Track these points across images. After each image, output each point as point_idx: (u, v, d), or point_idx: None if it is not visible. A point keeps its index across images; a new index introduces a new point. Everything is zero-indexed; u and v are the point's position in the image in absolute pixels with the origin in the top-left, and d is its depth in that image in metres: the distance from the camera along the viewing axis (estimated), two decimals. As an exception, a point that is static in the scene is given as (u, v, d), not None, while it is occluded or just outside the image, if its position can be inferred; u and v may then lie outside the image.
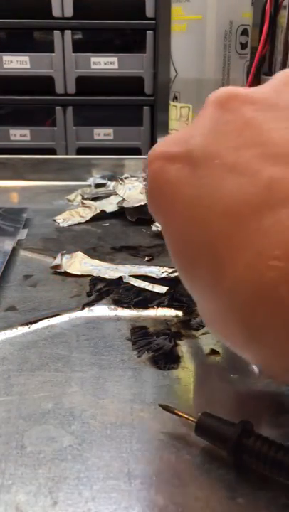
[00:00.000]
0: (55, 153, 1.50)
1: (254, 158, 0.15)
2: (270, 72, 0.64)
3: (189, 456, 0.25)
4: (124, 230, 0.55)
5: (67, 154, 1.51)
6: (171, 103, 0.66)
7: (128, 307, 0.39)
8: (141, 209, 0.56)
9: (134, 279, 0.43)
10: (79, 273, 0.44)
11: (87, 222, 0.57)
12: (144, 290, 0.41)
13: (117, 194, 0.60)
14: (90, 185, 0.68)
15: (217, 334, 0.19)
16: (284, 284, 0.14)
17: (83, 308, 0.39)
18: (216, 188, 0.15)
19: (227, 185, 0.15)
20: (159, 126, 1.55)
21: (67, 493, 0.23)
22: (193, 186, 0.16)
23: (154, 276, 0.43)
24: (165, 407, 0.27)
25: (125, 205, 0.57)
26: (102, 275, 0.43)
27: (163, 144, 0.18)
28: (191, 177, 0.16)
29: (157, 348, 0.34)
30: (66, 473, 0.24)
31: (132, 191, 0.58)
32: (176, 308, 0.39)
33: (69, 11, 1.46)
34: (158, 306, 0.39)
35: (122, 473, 0.24)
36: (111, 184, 0.66)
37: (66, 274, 0.44)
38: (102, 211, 0.58)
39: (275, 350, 0.16)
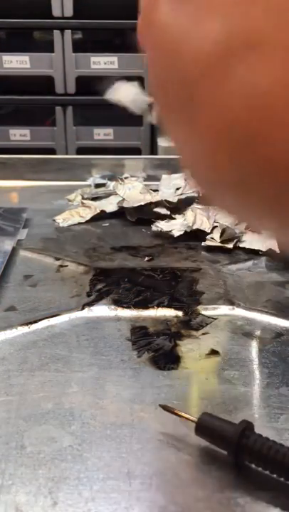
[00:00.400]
0: (55, 153, 1.50)
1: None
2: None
3: (189, 457, 0.25)
4: (124, 230, 0.55)
5: (67, 154, 1.51)
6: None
7: (128, 307, 0.39)
8: (141, 209, 0.56)
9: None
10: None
11: (87, 222, 0.57)
12: (144, 290, 0.41)
13: (117, 194, 0.60)
14: (89, 185, 0.68)
15: (199, 180, 0.18)
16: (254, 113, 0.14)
17: (83, 308, 0.39)
18: (195, 28, 0.15)
19: (213, 24, 0.15)
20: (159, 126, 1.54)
21: (67, 494, 0.23)
22: (178, 24, 0.16)
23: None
24: (165, 407, 0.27)
25: (125, 205, 0.57)
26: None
27: None
28: (176, 14, 0.16)
29: (157, 348, 0.34)
30: (66, 473, 0.24)
31: (132, 191, 0.58)
32: (176, 309, 0.39)
33: (69, 11, 1.46)
34: (158, 306, 0.39)
35: (122, 474, 0.24)
36: (111, 184, 0.66)
37: (66, 273, 0.44)
38: (102, 211, 0.58)
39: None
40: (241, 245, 0.49)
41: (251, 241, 0.49)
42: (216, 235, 0.50)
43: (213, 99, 0.15)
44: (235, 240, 0.49)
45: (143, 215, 0.56)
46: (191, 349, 0.34)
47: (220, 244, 0.49)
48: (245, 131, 0.14)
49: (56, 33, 1.47)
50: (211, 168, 0.16)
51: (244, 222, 0.19)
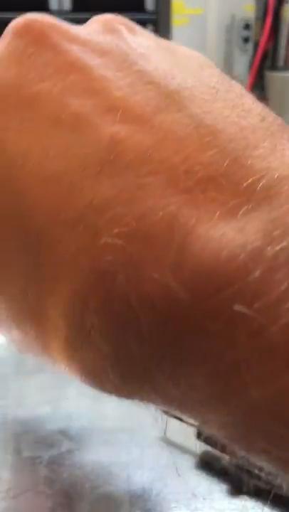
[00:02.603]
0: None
1: (87, 111, 0.12)
2: (274, 68, 0.63)
3: (191, 461, 0.25)
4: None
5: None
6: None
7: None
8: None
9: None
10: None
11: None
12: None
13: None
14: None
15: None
16: (122, 268, 0.10)
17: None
18: (35, 145, 0.12)
19: (50, 142, 0.11)
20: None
21: (65, 499, 0.23)
22: (14, 143, 0.12)
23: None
24: (166, 411, 0.27)
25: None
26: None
27: None
28: (8, 128, 0.12)
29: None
30: (64, 478, 0.24)
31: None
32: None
33: (67, 4, 1.44)
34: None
35: (121, 479, 0.24)
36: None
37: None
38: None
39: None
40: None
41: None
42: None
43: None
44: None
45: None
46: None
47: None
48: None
49: (54, 26, 1.46)
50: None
51: None
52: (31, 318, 0.13)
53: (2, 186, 0.12)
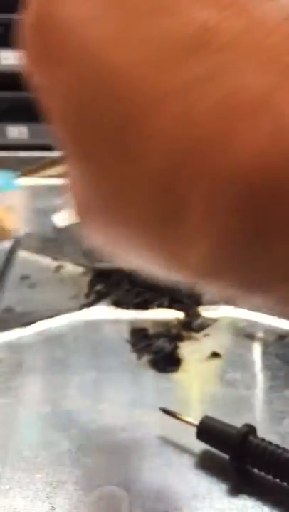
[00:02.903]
0: (53, 151, 1.50)
1: None
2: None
3: (191, 461, 0.25)
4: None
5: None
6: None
7: (127, 308, 0.39)
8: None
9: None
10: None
11: (86, 221, 0.56)
12: (144, 291, 0.41)
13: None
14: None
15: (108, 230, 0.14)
16: (216, 139, 0.11)
17: (82, 309, 0.38)
18: (131, 29, 0.12)
19: (145, 27, 0.12)
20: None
21: (65, 499, 0.23)
22: (100, 29, 0.12)
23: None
24: (166, 411, 0.27)
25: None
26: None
27: None
28: (96, 16, 0.12)
29: (157, 351, 0.33)
30: (64, 478, 0.24)
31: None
32: (176, 310, 0.38)
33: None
34: (158, 307, 0.39)
35: (121, 478, 0.24)
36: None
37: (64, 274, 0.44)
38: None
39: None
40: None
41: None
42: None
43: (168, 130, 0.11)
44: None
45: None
46: (192, 351, 0.34)
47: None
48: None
49: (55, 30, 1.47)
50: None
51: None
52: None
53: (96, 70, 0.12)
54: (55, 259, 0.47)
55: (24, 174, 0.37)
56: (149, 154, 0.12)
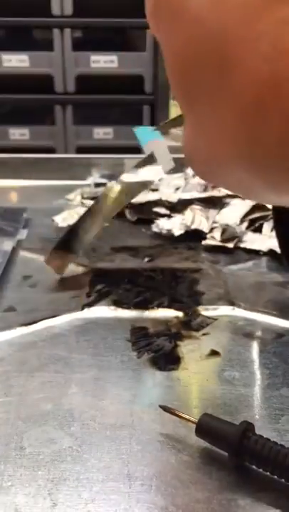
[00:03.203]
0: (54, 152, 1.50)
1: None
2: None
3: (190, 458, 0.25)
4: (124, 230, 0.54)
5: (66, 153, 1.51)
6: (172, 102, 0.66)
7: (128, 308, 0.39)
8: (141, 209, 0.56)
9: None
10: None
11: (86, 221, 0.56)
12: (144, 291, 0.41)
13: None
14: (89, 185, 0.68)
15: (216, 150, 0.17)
16: None
17: (83, 308, 0.39)
18: None
19: None
20: (158, 125, 1.54)
21: (67, 495, 0.23)
22: None
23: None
24: (165, 408, 0.27)
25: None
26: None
27: None
28: None
29: (157, 349, 0.34)
30: (66, 474, 0.24)
31: (131, 191, 0.58)
32: (176, 309, 0.39)
33: (68, 9, 1.45)
34: (158, 306, 0.39)
35: (121, 475, 0.24)
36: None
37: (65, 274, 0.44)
38: (102, 211, 0.58)
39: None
40: (242, 245, 0.49)
41: (252, 241, 0.49)
42: (217, 233, 0.49)
43: (252, 56, 0.14)
44: (235, 240, 0.49)
45: (143, 215, 0.56)
46: (192, 350, 0.34)
47: (220, 244, 0.49)
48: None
49: (56, 31, 1.47)
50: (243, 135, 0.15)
51: (249, 198, 0.19)
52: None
53: (201, 24, 0.15)
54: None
55: (162, 127, 0.37)
56: (242, 85, 0.14)
